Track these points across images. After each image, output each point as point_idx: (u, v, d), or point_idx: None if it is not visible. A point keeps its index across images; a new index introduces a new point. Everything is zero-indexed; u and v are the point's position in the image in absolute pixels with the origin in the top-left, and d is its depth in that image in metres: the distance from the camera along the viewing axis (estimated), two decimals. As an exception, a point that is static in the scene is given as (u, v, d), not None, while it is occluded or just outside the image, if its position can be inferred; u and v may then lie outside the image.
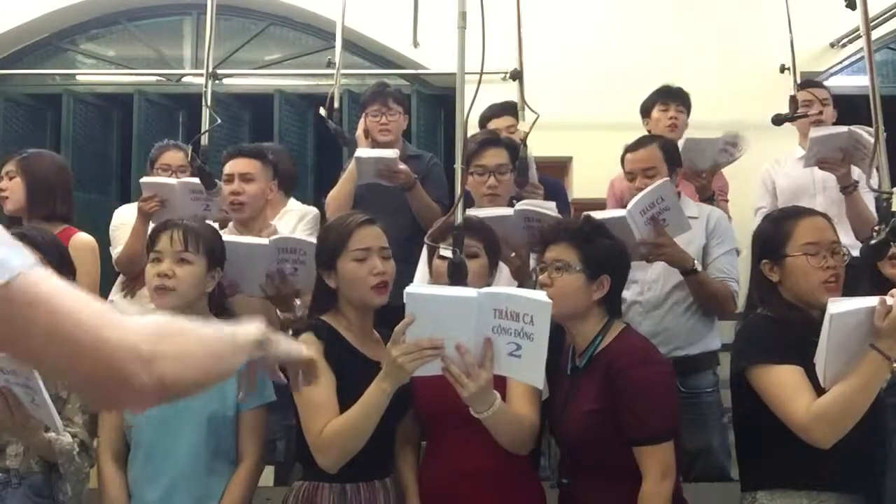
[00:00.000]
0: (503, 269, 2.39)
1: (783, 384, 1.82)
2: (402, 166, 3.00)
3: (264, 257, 2.42)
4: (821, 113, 3.47)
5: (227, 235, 2.50)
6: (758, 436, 1.94)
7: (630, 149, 2.78)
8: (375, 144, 3.36)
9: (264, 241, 2.47)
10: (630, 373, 1.89)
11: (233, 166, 2.77)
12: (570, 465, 2.05)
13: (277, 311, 2.50)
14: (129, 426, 2.06)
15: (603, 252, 2.00)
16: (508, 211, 2.50)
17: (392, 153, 3.01)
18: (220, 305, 2.19)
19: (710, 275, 2.65)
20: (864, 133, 2.83)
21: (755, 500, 1.92)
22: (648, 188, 2.45)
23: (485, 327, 1.72)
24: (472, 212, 2.49)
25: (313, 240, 2.60)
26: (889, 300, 1.65)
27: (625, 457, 1.87)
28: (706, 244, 2.70)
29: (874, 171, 2.36)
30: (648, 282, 2.71)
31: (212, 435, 2.01)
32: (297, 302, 2.47)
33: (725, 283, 2.65)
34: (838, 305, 1.67)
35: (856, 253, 2.99)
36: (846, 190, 3.07)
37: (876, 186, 2.40)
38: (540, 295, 1.74)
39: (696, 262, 2.55)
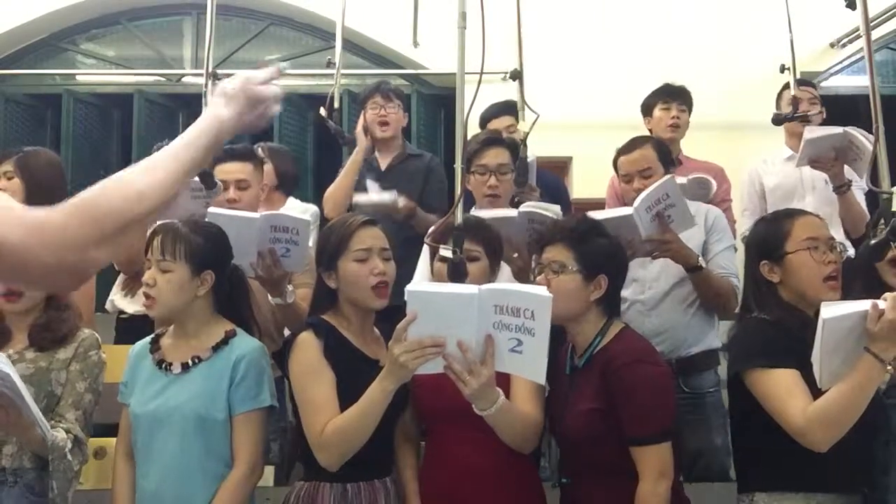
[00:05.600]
0: (504, 269, 2.39)
1: (780, 388, 1.82)
2: (401, 204, 3.00)
3: (254, 233, 2.37)
4: (820, 112, 3.48)
5: (216, 208, 2.47)
6: (755, 438, 1.94)
7: (623, 151, 2.75)
8: (375, 141, 3.36)
9: (255, 214, 2.44)
10: (627, 372, 1.89)
11: (227, 172, 2.74)
12: (570, 465, 2.05)
13: (269, 296, 2.47)
14: (131, 422, 2.06)
15: (599, 251, 1.99)
16: (513, 212, 2.50)
17: (390, 196, 3.00)
18: (232, 307, 2.16)
19: (712, 271, 2.66)
20: (858, 134, 2.83)
21: (753, 501, 1.93)
22: (654, 185, 2.44)
23: (486, 324, 1.73)
24: (475, 213, 2.49)
25: (306, 217, 2.60)
26: (881, 304, 1.66)
27: (624, 456, 1.87)
28: (705, 241, 2.69)
29: (869, 170, 2.37)
30: (649, 280, 2.71)
31: (201, 436, 1.99)
32: (290, 288, 2.45)
33: (727, 278, 2.64)
34: (831, 310, 1.67)
35: (847, 252, 3.01)
36: (839, 190, 3.07)
37: (871, 187, 2.41)
38: (540, 290, 1.75)
39: (700, 258, 2.54)
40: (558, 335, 2.17)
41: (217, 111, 1.31)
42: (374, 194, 3.05)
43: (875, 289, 1.89)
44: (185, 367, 2.03)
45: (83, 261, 1.01)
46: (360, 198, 3.02)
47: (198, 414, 1.98)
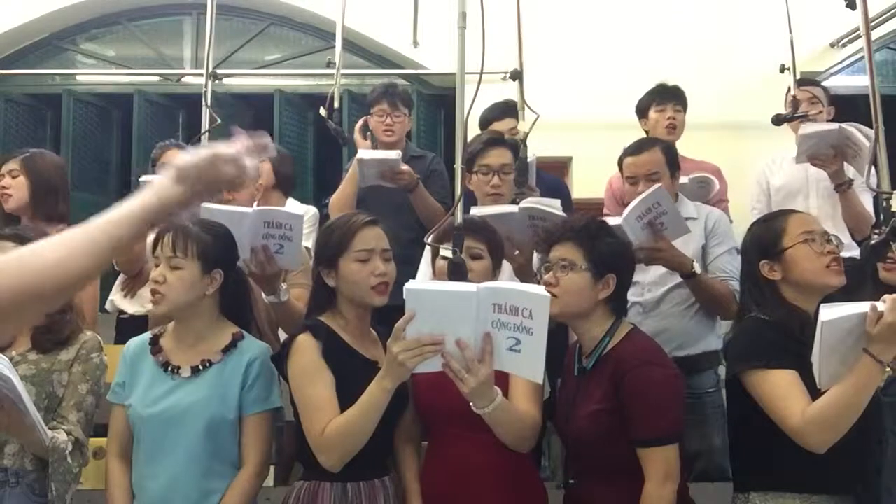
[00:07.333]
0: (505, 268, 2.39)
1: (778, 389, 1.82)
2: (405, 167, 2.99)
3: (247, 228, 2.33)
4: (820, 112, 3.47)
5: (209, 203, 2.46)
6: (752, 438, 1.95)
7: (631, 153, 2.71)
8: (378, 145, 3.36)
9: (248, 209, 2.40)
10: (637, 374, 1.88)
11: None
12: (577, 466, 2.05)
13: (262, 294, 2.45)
14: (134, 423, 2.05)
15: (608, 251, 1.99)
16: (513, 208, 2.50)
17: (395, 154, 2.99)
18: (236, 307, 2.16)
19: (711, 275, 2.65)
20: (854, 130, 2.82)
21: (748, 500, 1.93)
22: (642, 195, 2.43)
23: (484, 322, 1.73)
24: (476, 210, 2.49)
25: (299, 211, 2.58)
26: (880, 306, 1.66)
27: (631, 457, 1.87)
28: (705, 244, 2.68)
29: (872, 169, 2.37)
30: (648, 283, 2.70)
31: (210, 437, 1.99)
32: (284, 286, 2.44)
33: (726, 282, 2.62)
34: (829, 313, 1.68)
35: (851, 253, 3.01)
36: (840, 188, 3.05)
37: (874, 185, 2.41)
38: (539, 289, 1.75)
39: (695, 264, 2.53)
40: (562, 336, 2.17)
41: (161, 188, 1.18)
42: (379, 152, 3.03)
43: (883, 290, 1.89)
44: (195, 371, 2.03)
45: None
46: (364, 154, 3.00)
47: (210, 415, 1.99)
